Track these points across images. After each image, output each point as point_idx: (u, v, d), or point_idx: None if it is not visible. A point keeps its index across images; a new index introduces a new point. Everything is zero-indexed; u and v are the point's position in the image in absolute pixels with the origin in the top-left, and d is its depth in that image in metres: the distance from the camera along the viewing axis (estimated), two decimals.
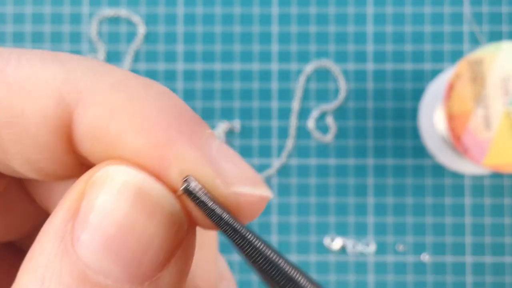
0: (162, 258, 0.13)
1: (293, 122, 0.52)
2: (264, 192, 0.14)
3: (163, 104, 0.14)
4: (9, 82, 0.13)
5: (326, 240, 0.52)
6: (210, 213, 0.13)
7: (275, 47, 0.53)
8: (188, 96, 0.53)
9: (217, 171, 0.13)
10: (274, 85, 0.53)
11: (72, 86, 0.13)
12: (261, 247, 0.13)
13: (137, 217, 0.13)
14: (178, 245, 0.13)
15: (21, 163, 0.14)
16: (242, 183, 0.14)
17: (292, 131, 0.52)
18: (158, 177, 0.13)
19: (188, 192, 0.13)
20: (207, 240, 0.19)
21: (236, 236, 0.13)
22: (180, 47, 0.53)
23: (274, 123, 0.53)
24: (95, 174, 0.13)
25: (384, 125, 0.52)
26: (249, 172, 0.14)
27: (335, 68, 0.52)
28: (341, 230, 0.52)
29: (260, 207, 0.14)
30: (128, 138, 0.13)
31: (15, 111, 0.13)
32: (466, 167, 0.51)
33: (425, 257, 0.51)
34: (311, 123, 0.52)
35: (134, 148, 0.13)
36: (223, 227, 0.13)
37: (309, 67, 0.53)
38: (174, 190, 0.14)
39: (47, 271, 0.12)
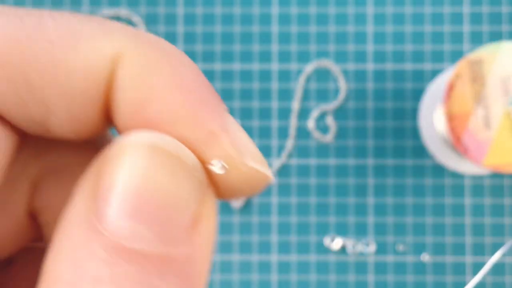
0: (193, 221, 0.13)
1: (293, 122, 0.52)
2: (268, 172, 0.14)
3: (198, 73, 0.14)
4: (51, 40, 0.13)
5: (326, 240, 0.52)
6: None
7: (275, 47, 0.53)
8: None
9: (237, 148, 0.14)
10: (274, 85, 0.53)
11: (114, 43, 0.13)
12: None
13: (169, 183, 0.12)
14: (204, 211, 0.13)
15: (60, 120, 0.14)
16: (254, 160, 0.14)
17: (292, 131, 0.52)
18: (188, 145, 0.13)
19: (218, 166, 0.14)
20: None
21: None
22: (180, 47, 0.53)
23: (274, 123, 0.53)
24: (118, 143, 0.13)
25: (384, 125, 0.52)
26: (257, 151, 0.14)
27: (335, 68, 0.52)
28: (341, 230, 0.52)
29: (265, 186, 0.14)
30: (170, 101, 0.13)
31: (60, 66, 0.13)
32: (466, 167, 0.51)
33: (425, 257, 0.51)
34: (311, 123, 0.52)
35: (175, 111, 0.13)
36: None
37: (309, 67, 0.53)
38: (202, 161, 0.14)
39: (79, 255, 0.12)
